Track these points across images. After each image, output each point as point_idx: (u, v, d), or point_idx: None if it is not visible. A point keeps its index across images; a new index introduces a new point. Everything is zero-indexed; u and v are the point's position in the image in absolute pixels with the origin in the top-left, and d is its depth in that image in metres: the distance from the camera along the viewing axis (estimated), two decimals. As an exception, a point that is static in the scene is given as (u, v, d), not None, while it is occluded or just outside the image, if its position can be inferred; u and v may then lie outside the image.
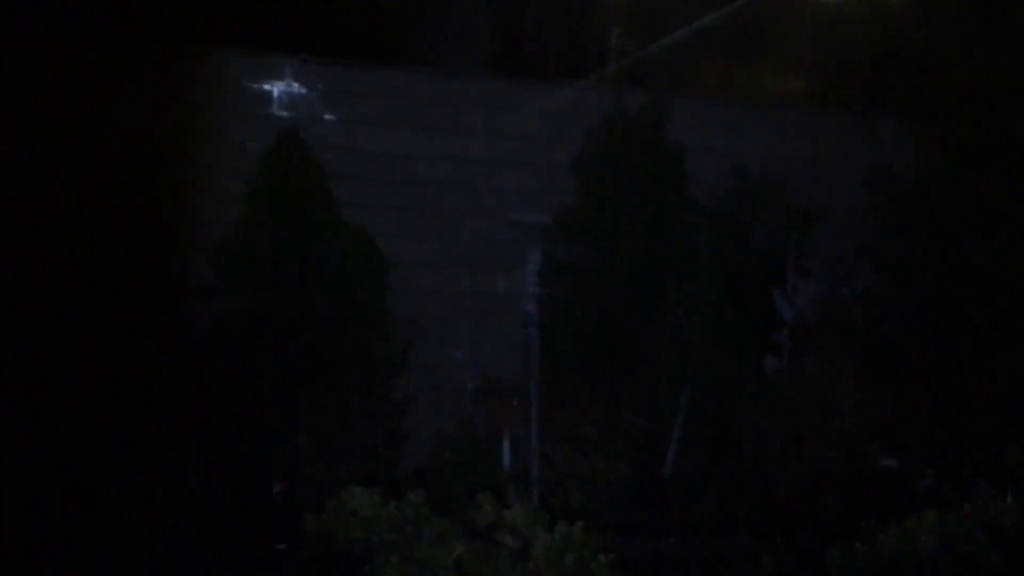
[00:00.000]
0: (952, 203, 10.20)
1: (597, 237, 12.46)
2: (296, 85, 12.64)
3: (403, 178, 13.08)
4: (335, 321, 11.89)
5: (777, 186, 12.34)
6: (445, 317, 13.44)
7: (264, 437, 11.22)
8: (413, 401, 12.50)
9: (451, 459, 12.55)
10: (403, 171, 13.06)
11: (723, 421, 11.63)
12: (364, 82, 12.87)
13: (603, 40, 15.40)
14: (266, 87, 12.52)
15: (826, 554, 8.81)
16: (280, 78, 12.55)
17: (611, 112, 12.66)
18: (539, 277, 13.10)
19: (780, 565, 9.85)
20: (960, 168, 10.07)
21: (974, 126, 10.14)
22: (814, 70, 15.10)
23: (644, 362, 12.19)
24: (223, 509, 10.56)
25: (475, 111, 13.09)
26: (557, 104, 13.67)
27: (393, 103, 12.95)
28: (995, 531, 8.86)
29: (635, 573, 10.05)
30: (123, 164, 11.29)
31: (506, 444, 12.41)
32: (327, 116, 12.74)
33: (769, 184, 12.39)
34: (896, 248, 11.00)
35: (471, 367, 13.58)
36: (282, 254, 11.65)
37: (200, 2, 12.19)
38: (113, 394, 10.11)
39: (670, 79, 13.76)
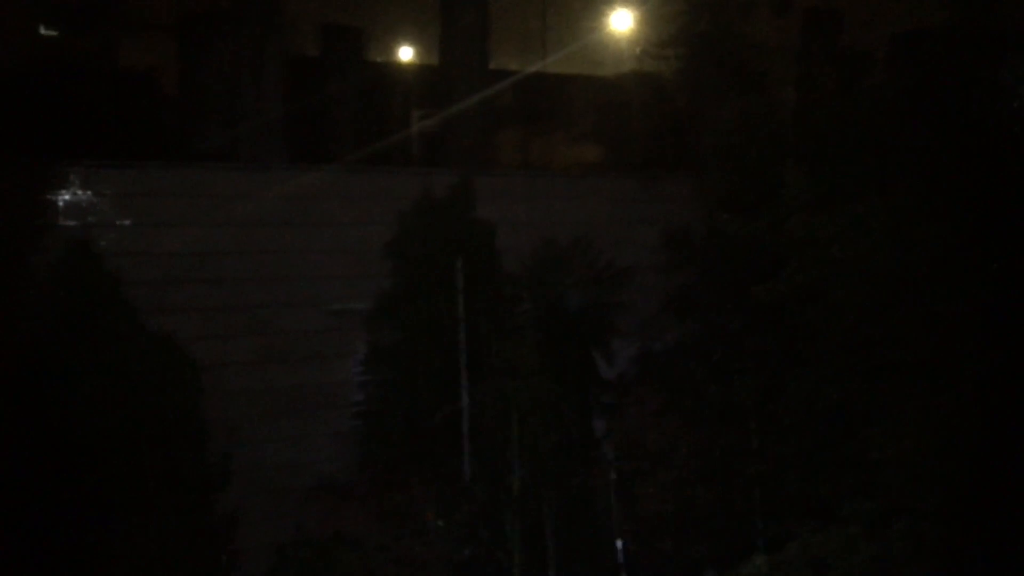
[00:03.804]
0: (734, 249, 10.58)
1: (417, 319, 12.14)
2: (85, 191, 11.88)
3: (209, 277, 12.41)
4: (144, 438, 10.90)
5: (586, 251, 12.48)
6: (267, 416, 12.69)
7: None
8: (241, 512, 11.55)
9: (289, 570, 11.68)
10: (208, 269, 12.40)
11: (559, 486, 11.36)
12: (159, 182, 12.25)
13: (405, 124, 15.49)
14: (51, 196, 11.70)
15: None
16: (66, 186, 11.77)
17: (420, 194, 12.54)
18: (364, 364, 12.66)
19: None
20: (735, 216, 10.51)
21: (742, 177, 10.66)
22: (605, 140, 15.72)
23: (476, 437, 11.83)
24: None
25: (280, 202, 12.67)
26: (366, 190, 13.47)
27: (192, 201, 12.36)
28: (819, 567, 8.88)
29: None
30: None
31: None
32: (122, 220, 12.00)
33: (579, 249, 12.52)
34: (698, 299, 11.27)
35: (302, 466, 12.81)
36: (77, 372, 10.65)
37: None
38: None
39: (473, 157, 13.88)
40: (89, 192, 11.85)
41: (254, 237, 12.57)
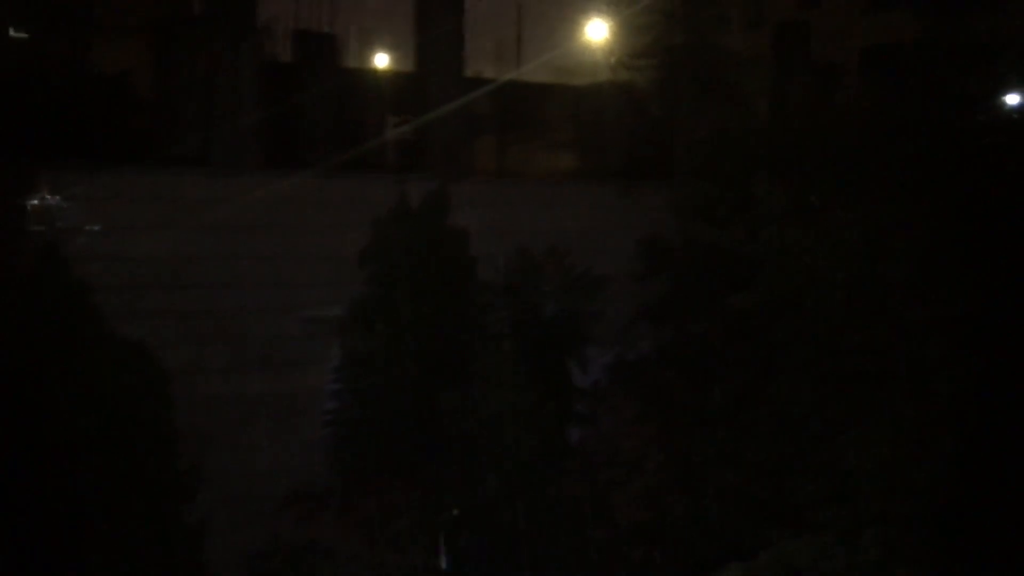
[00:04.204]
0: (709, 258, 10.61)
1: (392, 327, 12.01)
2: (55, 196, 11.65)
3: (180, 282, 12.21)
4: (114, 446, 10.67)
5: (561, 259, 12.44)
6: (240, 424, 12.50)
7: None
8: (213, 520, 11.34)
9: (262, 580, 11.50)
10: (180, 275, 12.19)
11: (534, 494, 11.28)
12: (130, 187, 12.04)
13: (381, 130, 15.39)
14: (21, 200, 11.46)
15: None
16: (36, 190, 11.53)
17: (396, 201, 12.42)
18: (338, 372, 12.49)
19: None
20: (710, 226, 10.54)
21: (717, 188, 10.70)
22: (581, 149, 15.74)
23: (451, 445, 11.72)
24: None
25: (254, 207, 12.51)
26: (341, 196, 13.34)
27: (164, 206, 12.17)
28: (793, 574, 8.89)
29: None
30: None
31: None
32: (92, 225, 11.77)
33: (554, 257, 12.48)
34: (673, 307, 11.27)
35: (274, 474, 12.63)
36: (46, 380, 10.41)
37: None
38: None
39: (449, 164, 13.82)
40: (59, 196, 11.61)
41: (227, 242, 12.39)
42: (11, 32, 13.76)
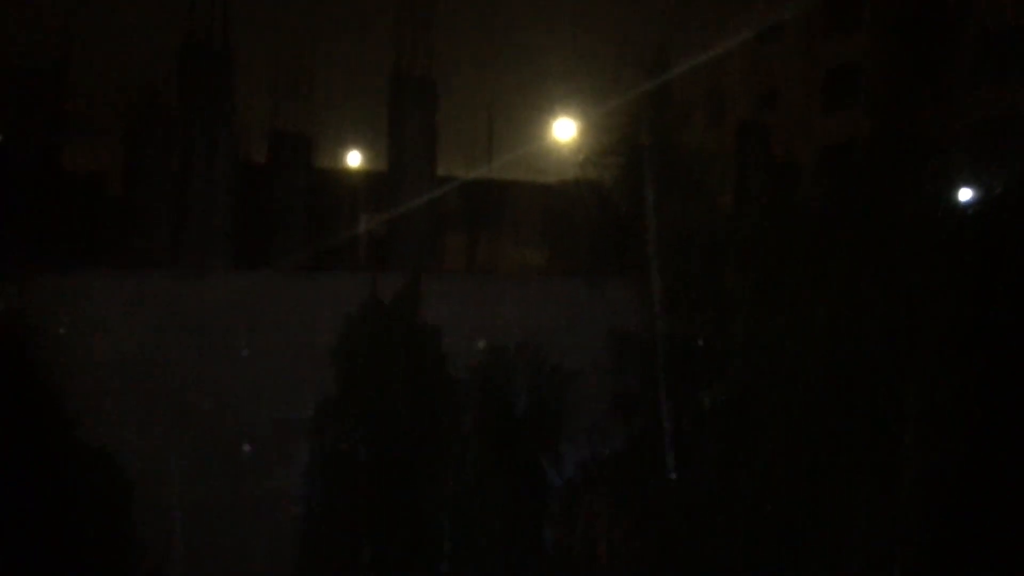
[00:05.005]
0: (676, 351, 10.70)
1: (362, 426, 11.89)
2: (21, 299, 11.57)
3: (147, 386, 12.06)
4: (74, 558, 10.36)
5: (533, 354, 12.47)
6: (206, 528, 12.14)
7: None
8: (174, 631, 10.92)
9: None
10: (146, 378, 12.06)
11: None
12: (97, 289, 12.01)
13: (353, 228, 15.58)
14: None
15: None
16: (2, 292, 11.46)
17: (366, 298, 12.46)
18: (306, 473, 12.25)
19: None
20: (677, 319, 10.67)
21: (680, 280, 10.89)
22: (550, 245, 16.00)
23: (422, 544, 11.45)
24: None
25: (223, 308, 12.49)
26: (312, 293, 13.38)
27: (131, 308, 12.12)
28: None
29: None
30: None
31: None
32: (56, 329, 11.67)
33: (525, 353, 12.50)
34: (643, 401, 11.29)
35: (240, 581, 12.23)
36: (7, 487, 10.15)
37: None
38: None
39: (421, 261, 13.97)
40: (25, 299, 11.54)
41: (195, 344, 12.32)
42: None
